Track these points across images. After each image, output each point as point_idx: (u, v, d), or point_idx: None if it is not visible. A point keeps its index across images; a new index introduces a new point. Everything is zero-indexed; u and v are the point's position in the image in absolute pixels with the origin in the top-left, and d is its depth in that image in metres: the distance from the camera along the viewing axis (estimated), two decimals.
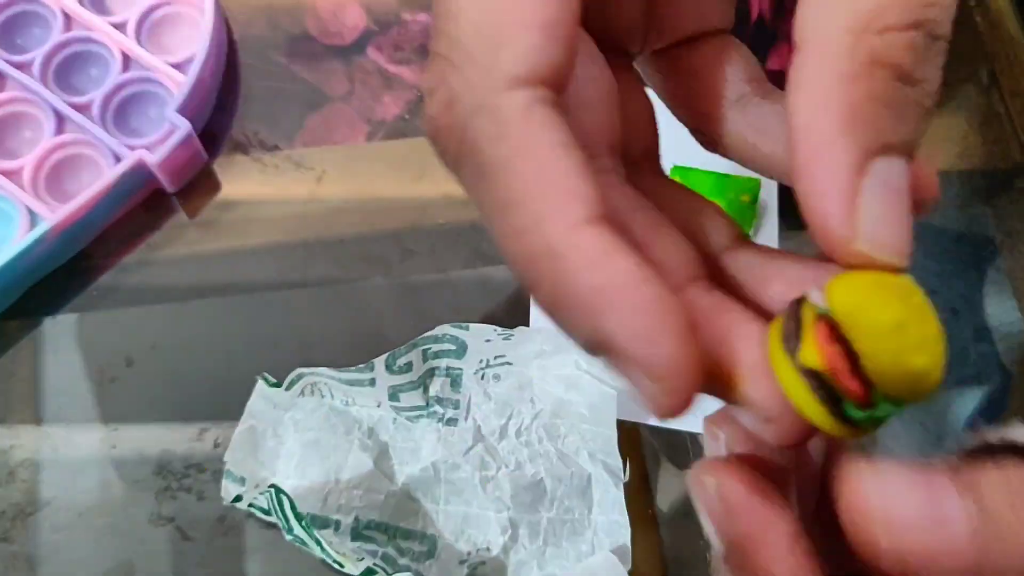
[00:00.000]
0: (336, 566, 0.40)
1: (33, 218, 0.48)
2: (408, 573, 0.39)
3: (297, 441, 0.45)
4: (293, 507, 0.40)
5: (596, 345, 0.19)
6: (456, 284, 0.51)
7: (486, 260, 0.51)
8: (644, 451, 0.48)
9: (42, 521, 0.45)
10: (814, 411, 0.18)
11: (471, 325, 0.46)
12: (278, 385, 0.46)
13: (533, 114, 0.18)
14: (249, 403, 0.46)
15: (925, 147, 0.57)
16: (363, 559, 0.40)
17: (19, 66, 0.50)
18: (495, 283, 0.51)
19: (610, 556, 0.42)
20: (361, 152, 0.54)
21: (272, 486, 0.41)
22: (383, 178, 0.53)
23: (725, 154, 0.24)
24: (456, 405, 0.46)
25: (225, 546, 0.45)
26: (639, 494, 0.47)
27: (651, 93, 0.26)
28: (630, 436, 0.48)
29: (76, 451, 0.46)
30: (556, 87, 0.19)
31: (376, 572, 0.39)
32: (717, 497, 0.20)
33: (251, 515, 0.44)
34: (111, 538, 0.45)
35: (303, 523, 0.40)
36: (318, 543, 0.40)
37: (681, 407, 0.18)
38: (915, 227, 0.19)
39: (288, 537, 0.42)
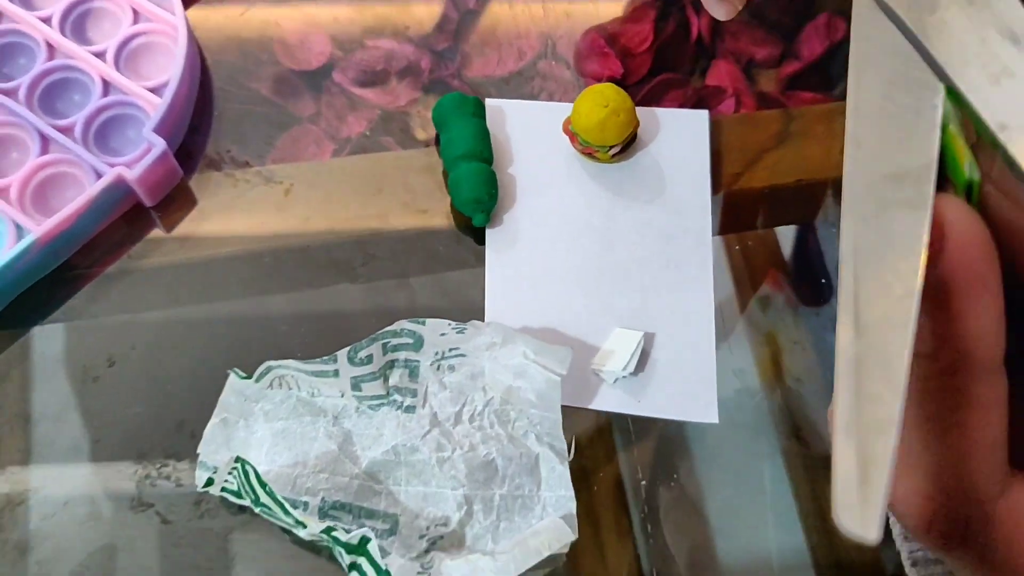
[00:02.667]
0: (300, 527, 0.44)
1: (20, 231, 0.52)
2: (366, 529, 0.43)
3: (267, 430, 0.49)
4: (258, 476, 0.44)
5: None
6: (414, 286, 0.55)
7: (443, 264, 0.55)
8: (619, 459, 0.51)
9: (31, 510, 0.48)
10: None
11: (427, 320, 0.50)
12: (248, 377, 0.49)
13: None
14: (222, 396, 0.49)
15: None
16: (324, 520, 0.44)
17: (6, 93, 0.54)
18: (450, 284, 0.55)
19: (558, 520, 0.46)
20: (327, 167, 0.58)
21: (238, 459, 0.44)
22: (347, 190, 0.57)
23: None
24: (414, 394, 0.50)
25: (202, 528, 0.48)
26: (613, 502, 0.50)
27: None
28: (605, 445, 0.51)
29: (62, 444, 0.50)
30: None
31: (335, 529, 0.43)
32: (955, 222, 0.22)
33: (224, 499, 0.48)
34: (95, 523, 0.48)
35: (267, 489, 0.43)
36: (282, 507, 0.43)
37: None
38: None
39: (257, 509, 0.45)
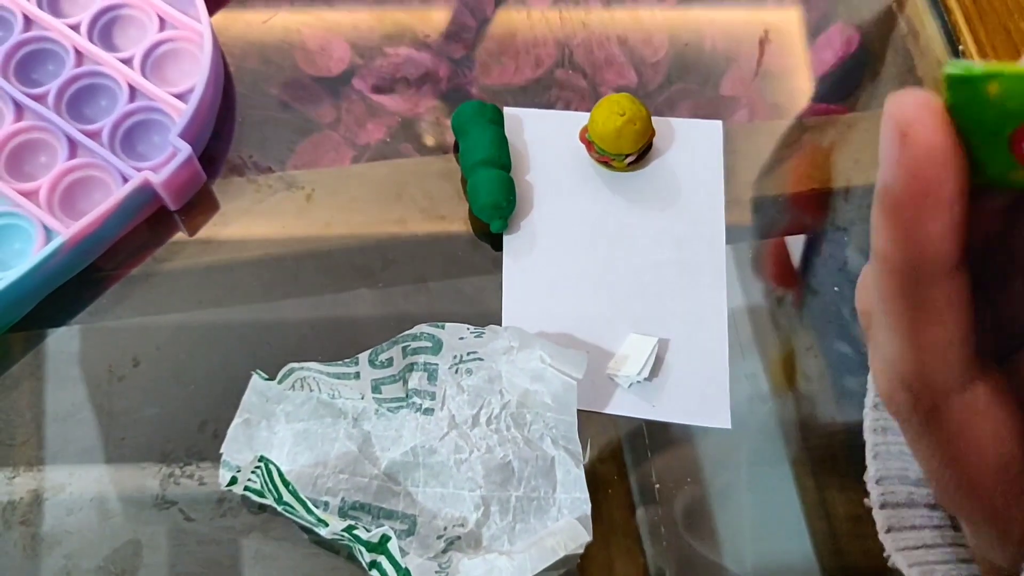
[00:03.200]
0: (322, 525, 0.45)
1: (48, 234, 0.53)
2: (386, 528, 0.44)
3: (288, 431, 0.50)
4: (281, 475, 0.44)
5: None
6: (433, 290, 0.56)
7: (461, 269, 0.56)
8: (631, 463, 0.52)
9: (58, 505, 0.49)
10: None
11: (446, 324, 0.51)
12: (271, 379, 0.50)
13: None
14: (244, 398, 0.50)
15: (863, 162, 0.62)
16: (345, 519, 0.45)
17: (36, 98, 0.56)
18: (468, 289, 0.56)
19: (573, 521, 0.47)
20: (347, 173, 0.59)
21: (262, 458, 0.45)
22: (367, 196, 0.58)
23: None
24: (433, 396, 0.51)
25: (223, 526, 0.49)
26: (624, 506, 0.51)
27: None
28: (618, 450, 0.52)
29: (88, 442, 0.51)
30: None
31: (356, 527, 0.44)
32: (918, 126, 0.21)
33: (246, 498, 0.49)
34: (120, 520, 0.49)
35: (290, 488, 0.44)
36: (304, 505, 0.44)
37: None
38: None
39: (279, 507, 0.46)
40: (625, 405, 0.53)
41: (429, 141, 0.60)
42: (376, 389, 0.50)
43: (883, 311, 0.24)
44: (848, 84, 0.63)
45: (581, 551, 0.47)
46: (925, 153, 0.21)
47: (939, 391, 0.24)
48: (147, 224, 0.56)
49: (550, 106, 0.61)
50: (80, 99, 0.57)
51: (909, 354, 0.23)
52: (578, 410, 0.50)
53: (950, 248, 0.22)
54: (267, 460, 0.45)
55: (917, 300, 0.22)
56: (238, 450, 0.50)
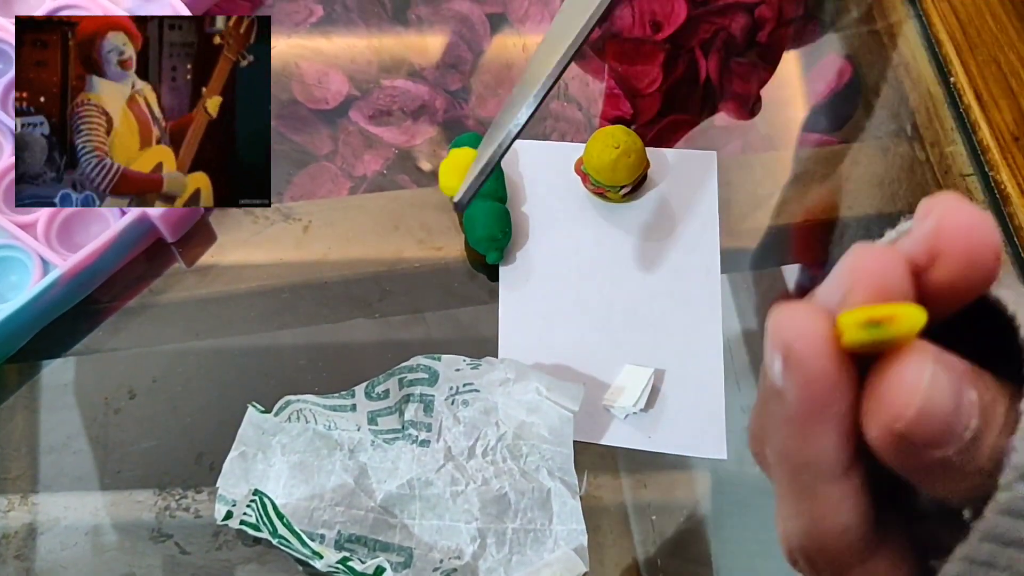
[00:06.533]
0: (317, 558, 0.44)
1: (46, 266, 0.53)
2: (381, 559, 0.44)
3: (284, 463, 0.50)
4: (275, 508, 0.44)
5: None
6: (429, 321, 0.56)
7: (458, 300, 0.56)
8: (628, 495, 0.52)
9: (53, 539, 0.49)
10: None
11: (442, 356, 0.51)
12: (267, 412, 0.50)
13: None
14: (240, 430, 0.50)
15: (857, 192, 0.62)
16: (341, 551, 0.45)
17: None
18: (464, 320, 0.56)
19: (570, 552, 0.47)
20: (344, 204, 0.59)
21: (256, 492, 0.45)
22: (364, 227, 0.58)
23: None
24: (429, 428, 0.51)
25: (219, 559, 0.49)
26: (621, 538, 0.51)
27: None
28: (614, 481, 0.52)
29: (83, 475, 0.51)
30: None
31: (351, 559, 0.44)
32: (802, 348, 0.22)
33: (242, 531, 0.49)
34: (116, 553, 0.49)
35: (284, 521, 0.44)
36: (299, 538, 0.44)
37: None
38: None
39: (274, 540, 0.46)
40: (621, 436, 0.53)
41: (426, 166, 0.60)
42: (372, 421, 0.51)
43: (782, 493, 0.24)
44: (841, 115, 0.64)
45: None
46: (812, 378, 0.22)
47: (839, 566, 0.24)
48: (144, 255, 0.56)
49: (545, 138, 0.62)
50: None
51: (808, 537, 0.24)
52: (574, 441, 0.50)
53: (838, 457, 0.23)
54: (261, 494, 0.45)
55: (812, 494, 0.23)
56: (234, 483, 0.50)
